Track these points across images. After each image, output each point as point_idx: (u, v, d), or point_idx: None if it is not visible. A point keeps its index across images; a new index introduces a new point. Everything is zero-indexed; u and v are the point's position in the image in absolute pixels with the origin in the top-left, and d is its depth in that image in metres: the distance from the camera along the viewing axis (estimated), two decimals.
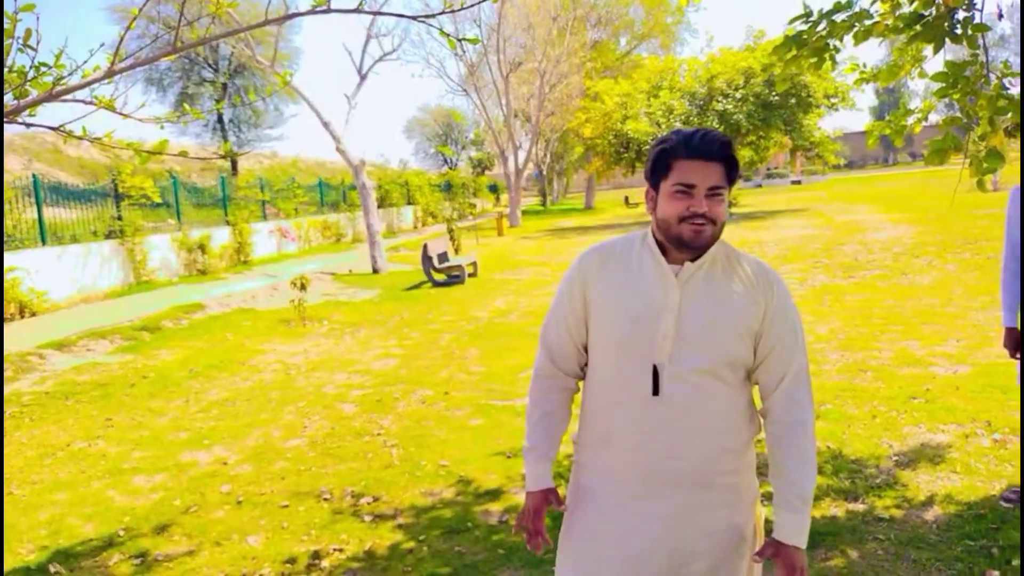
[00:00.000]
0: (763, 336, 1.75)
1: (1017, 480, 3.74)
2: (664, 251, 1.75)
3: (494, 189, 45.65)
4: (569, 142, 42.17)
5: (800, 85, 23.17)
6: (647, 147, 25.67)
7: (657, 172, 1.72)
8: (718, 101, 24.51)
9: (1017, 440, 4.24)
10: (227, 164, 32.76)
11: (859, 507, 3.65)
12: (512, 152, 31.16)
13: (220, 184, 18.41)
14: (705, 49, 66.09)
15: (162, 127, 3.41)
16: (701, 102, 25.10)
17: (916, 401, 5.06)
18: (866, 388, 5.44)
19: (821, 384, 5.62)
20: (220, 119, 36.07)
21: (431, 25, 2.91)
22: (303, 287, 9.83)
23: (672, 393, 1.71)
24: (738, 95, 24.20)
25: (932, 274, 10.08)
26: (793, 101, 23.61)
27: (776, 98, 23.50)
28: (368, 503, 4.21)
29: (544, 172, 44.91)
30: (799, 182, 47.08)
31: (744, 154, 28.96)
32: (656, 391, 1.71)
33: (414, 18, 3.14)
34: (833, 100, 24.26)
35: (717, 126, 24.42)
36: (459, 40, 2.86)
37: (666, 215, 1.70)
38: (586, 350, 1.87)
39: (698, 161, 1.67)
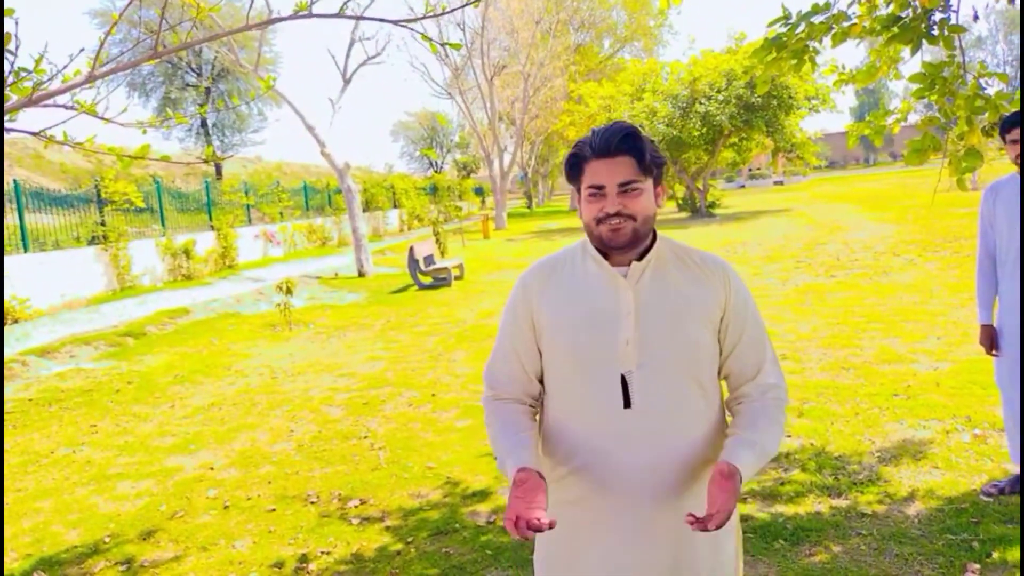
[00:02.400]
0: (728, 325, 1.69)
1: (997, 474, 3.80)
2: (606, 255, 1.68)
3: (480, 192, 45.68)
4: (554, 144, 42.32)
5: (781, 87, 23.36)
6: None
7: (573, 177, 1.68)
8: (700, 103, 24.66)
9: (996, 435, 4.30)
10: (211, 169, 32.56)
11: (842, 503, 3.69)
12: (497, 155, 31.20)
13: (205, 189, 18.31)
14: (687, 52, 66.48)
15: (144, 132, 3.40)
16: (684, 104, 25.25)
17: (898, 398, 5.12)
18: (848, 386, 5.50)
19: (804, 382, 5.67)
20: (204, 124, 35.89)
21: (413, 30, 2.92)
22: (289, 291, 9.79)
23: (645, 402, 1.62)
24: (720, 97, 24.36)
25: (913, 272, 10.20)
26: (775, 103, 23.80)
27: (758, 100, 23.69)
28: (355, 506, 4.20)
29: (529, 175, 45.00)
30: (781, 183, 47.44)
31: (726, 155, 29.19)
32: (627, 403, 1.62)
33: (396, 22, 3.15)
34: (814, 102, 24.48)
35: (700, 127, 24.59)
36: (441, 45, 2.87)
37: (586, 219, 1.66)
38: (540, 380, 1.75)
39: (602, 160, 1.61)
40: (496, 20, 30.19)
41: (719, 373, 1.74)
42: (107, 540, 4.03)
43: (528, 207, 46.42)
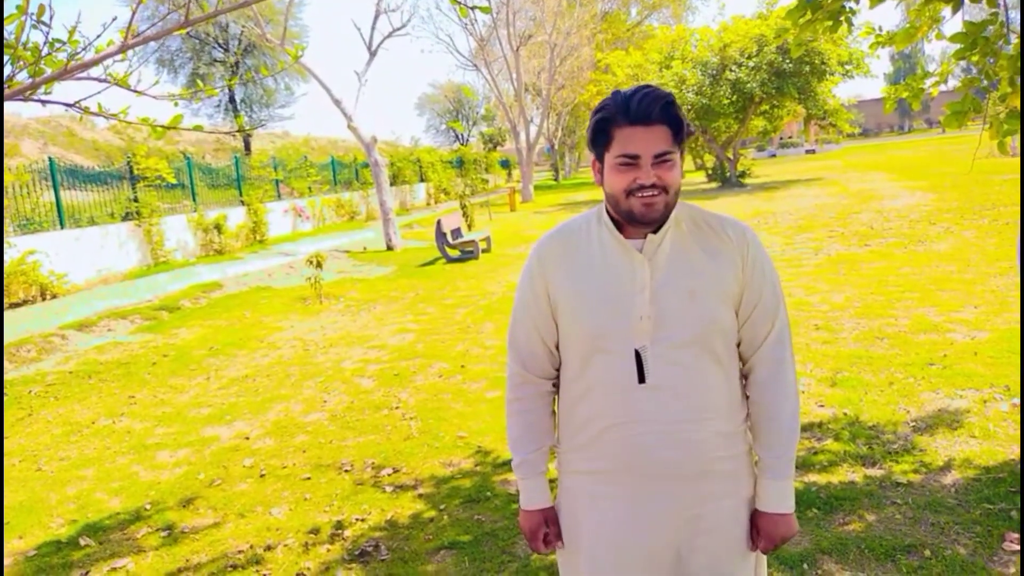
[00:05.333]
0: (744, 295, 1.64)
1: None
2: (620, 227, 1.62)
3: (506, 164, 45.48)
4: (581, 116, 41.86)
5: (814, 52, 22.80)
6: None
7: (598, 143, 1.58)
8: (731, 70, 24.18)
9: None
10: (240, 144, 32.82)
11: (877, 472, 3.66)
12: (523, 127, 30.98)
13: (234, 164, 18.46)
14: (717, 18, 65.17)
15: (176, 104, 3.42)
16: (714, 72, 24.78)
17: (933, 367, 5.04)
18: (883, 355, 5.42)
19: (837, 352, 5.61)
20: (232, 99, 36.12)
21: None
22: (319, 265, 9.87)
23: (659, 378, 1.58)
24: (751, 64, 23.85)
25: (949, 241, 9.98)
26: (807, 69, 23.23)
27: (790, 66, 23.14)
28: (388, 474, 4.26)
29: (556, 147, 44.65)
30: (813, 151, 46.55)
31: (757, 124, 28.67)
32: (642, 378, 1.58)
33: None
34: (848, 67, 23.85)
35: (730, 95, 24.13)
36: (471, 8, 2.83)
37: (613, 189, 1.56)
38: (558, 348, 1.72)
39: (639, 127, 1.51)
40: None
41: (738, 349, 1.70)
42: (148, 507, 4.14)
43: (555, 179, 46.13)
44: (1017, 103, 3.90)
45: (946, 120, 4.05)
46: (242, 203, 17.67)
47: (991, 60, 3.92)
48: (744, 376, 1.72)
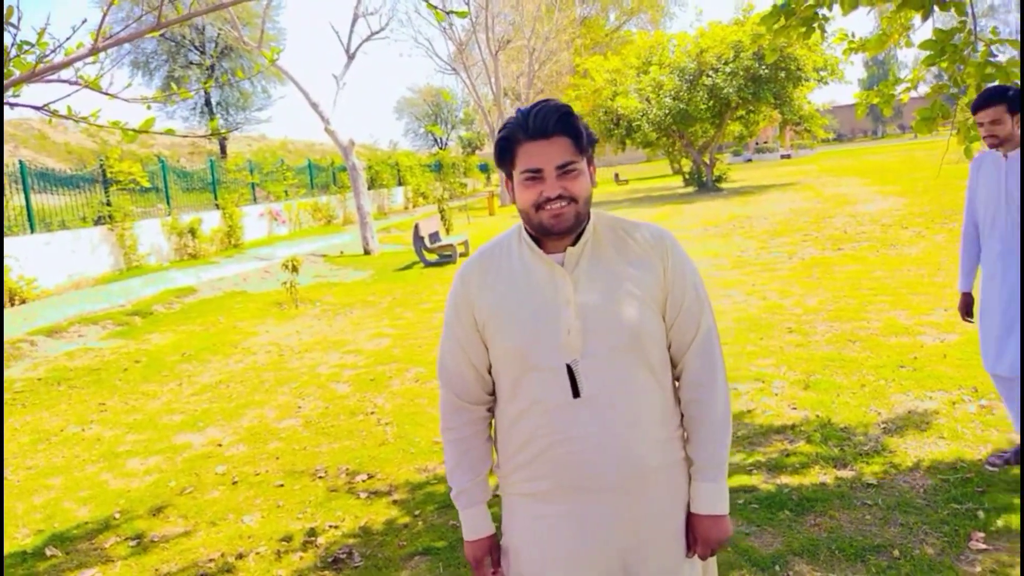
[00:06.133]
0: (669, 299, 1.65)
1: (1003, 444, 3.79)
2: (540, 242, 1.63)
3: (485, 169, 45.47)
4: None
5: (789, 58, 23.05)
6: (638, 123, 25.64)
7: (504, 162, 1.60)
8: (708, 76, 24.39)
9: (1002, 405, 4.28)
10: (216, 148, 32.53)
11: (848, 473, 3.69)
12: None
13: (209, 168, 18.29)
14: (694, 24, 65.73)
15: (148, 107, 3.38)
16: (691, 77, 24.98)
17: (904, 370, 5.11)
18: (855, 358, 5.48)
19: (810, 355, 5.66)
20: (208, 102, 35.80)
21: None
22: (295, 269, 9.81)
23: (593, 390, 1.58)
24: (728, 69, 24.07)
25: (920, 245, 10.13)
26: (783, 74, 23.49)
27: (766, 72, 23.39)
28: (363, 480, 4.24)
29: None
30: (789, 156, 47.04)
31: (733, 129, 28.90)
32: (576, 392, 1.58)
33: None
34: (823, 73, 24.15)
35: (707, 100, 24.33)
36: (448, 13, 2.83)
37: (523, 205, 1.58)
38: (490, 372, 1.71)
39: (539, 141, 1.54)
40: None
41: (668, 353, 1.72)
42: (117, 516, 4.07)
43: None
44: None
45: (916, 126, 4.12)
46: (217, 207, 17.50)
47: (960, 67, 3.99)
48: (676, 379, 1.73)
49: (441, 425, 1.80)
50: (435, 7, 2.70)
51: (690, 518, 1.69)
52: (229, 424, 5.46)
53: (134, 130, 3.04)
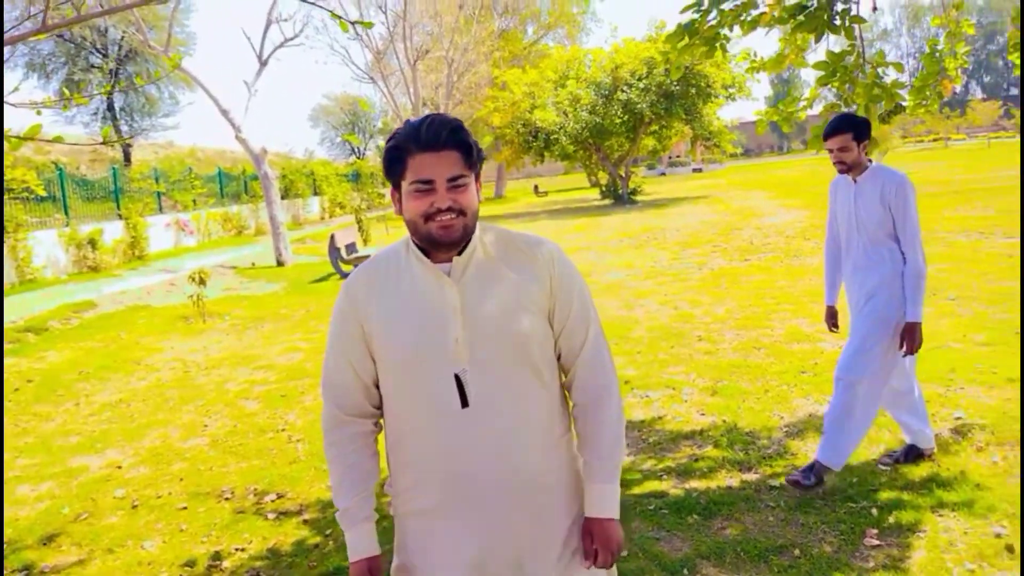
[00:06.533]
0: (555, 309, 1.68)
1: (893, 444, 4.00)
2: (427, 253, 1.64)
3: None
4: (478, 131, 42.13)
5: (699, 75, 23.89)
6: (555, 136, 26.01)
7: (394, 172, 1.60)
8: (622, 91, 24.99)
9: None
10: (119, 155, 31.13)
11: (753, 477, 3.82)
12: None
13: (112, 176, 17.48)
14: (609, 39, 67.23)
15: (39, 113, 3.20)
16: (606, 92, 25.53)
17: (805, 375, 5.33)
18: (759, 364, 5.69)
19: (718, 362, 5.84)
20: (111, 107, 34.25)
21: (322, 7, 2.83)
22: (202, 281, 9.47)
23: (482, 400, 1.59)
24: (641, 85, 24.73)
25: (821, 255, 10.59)
26: (693, 91, 24.31)
27: (677, 88, 24.15)
28: (272, 500, 4.11)
29: None
30: (700, 170, 48.65)
31: (647, 143, 29.70)
32: (465, 402, 1.59)
33: (310, 1, 3.06)
34: (731, 90, 25.12)
35: (622, 115, 24.92)
36: (352, 24, 2.79)
37: (412, 215, 1.58)
38: (376, 386, 1.71)
39: (430, 153, 1.54)
40: (419, 3, 29.78)
41: (556, 363, 1.74)
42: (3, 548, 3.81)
43: None
44: (872, 130, 4.20)
45: (811, 142, 4.32)
46: (120, 217, 16.74)
47: (850, 87, 4.22)
48: (568, 387, 1.76)
49: (325, 441, 1.74)
50: (339, 17, 2.66)
51: (586, 522, 1.70)
52: (130, 445, 5.20)
53: (18, 137, 2.87)
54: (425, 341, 1.60)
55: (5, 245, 12.99)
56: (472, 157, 1.58)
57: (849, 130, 3.46)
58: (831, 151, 3.54)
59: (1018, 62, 4.20)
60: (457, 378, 1.59)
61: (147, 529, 3.88)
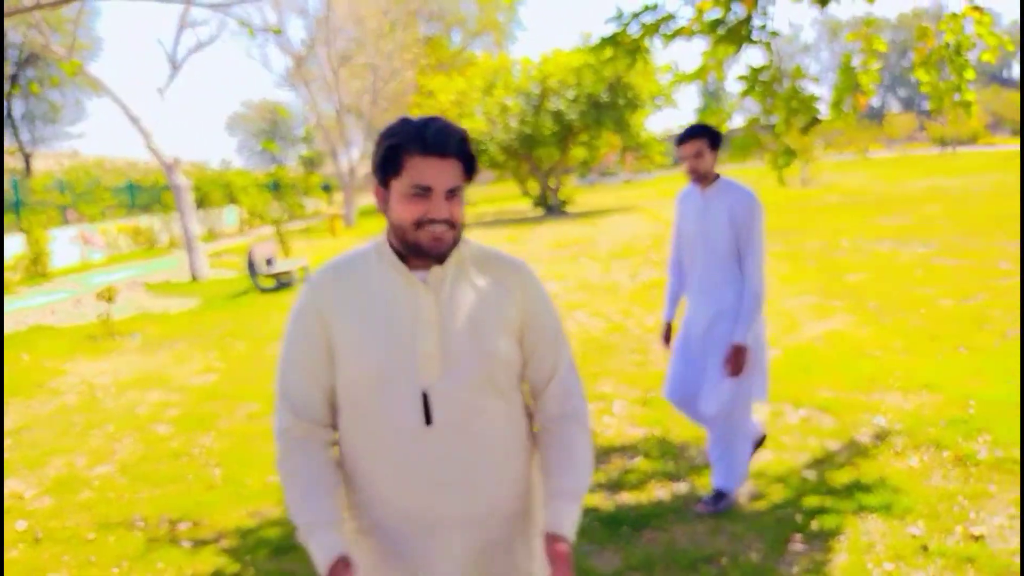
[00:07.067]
0: (526, 332, 1.63)
1: (818, 453, 4.09)
2: (403, 258, 1.57)
3: (327, 189, 44.30)
4: None
5: (627, 86, 24.27)
6: (484, 145, 25.98)
7: (387, 169, 1.51)
8: (551, 100, 25.18)
9: (819, 415, 4.65)
10: (20, 165, 29.51)
11: (682, 488, 3.84)
12: (345, 149, 30.36)
13: (12, 187, 16.56)
14: (537, 49, 68.03)
15: None
16: (535, 101, 25.68)
17: None
18: None
19: (648, 373, 5.89)
20: (9, 114, 32.41)
21: (230, 15, 2.69)
22: (110, 299, 9.01)
23: (447, 419, 1.53)
24: (570, 95, 24.97)
25: None
26: (622, 102, 24.68)
27: (606, 98, 24.47)
28: (187, 528, 3.91)
29: None
30: (630, 180, 49.56)
31: (578, 153, 30.01)
32: (429, 419, 1.52)
33: (213, 6, 2.91)
34: (658, 101, 25.63)
35: (552, 125, 25.10)
36: (262, 30, 2.66)
37: (401, 219, 1.51)
38: (334, 392, 1.61)
39: (434, 158, 1.47)
40: (342, 8, 29.34)
41: (520, 376, 1.68)
42: None
43: None
44: (790, 140, 4.31)
45: (731, 154, 4.41)
46: (21, 230, 15.87)
47: (769, 100, 4.32)
48: (536, 411, 1.70)
49: (280, 454, 1.61)
50: (245, 22, 2.54)
51: (550, 540, 1.56)
52: (32, 474, 4.88)
53: None
54: (393, 353, 1.52)
55: None
56: (473, 170, 1.54)
57: (704, 136, 3.41)
58: (685, 158, 3.46)
59: (924, 78, 4.40)
60: (424, 394, 1.52)
61: (52, 562, 3.65)
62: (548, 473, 1.64)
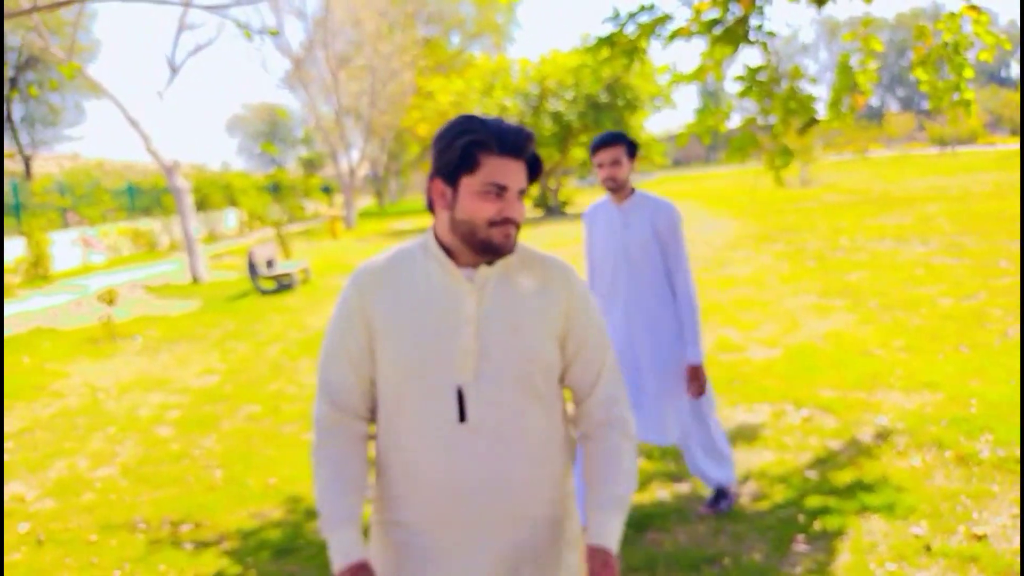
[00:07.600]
0: (569, 335, 1.61)
1: (821, 453, 4.09)
2: (450, 255, 1.57)
3: (327, 190, 44.32)
4: (404, 140, 41.85)
5: (626, 87, 24.27)
6: None
7: (462, 167, 1.51)
8: (550, 101, 25.18)
9: (820, 415, 4.65)
10: (20, 167, 29.53)
11: (684, 488, 3.84)
12: (344, 151, 30.36)
13: (12, 190, 16.56)
14: (535, 50, 68.02)
15: None
16: (534, 102, 25.67)
17: (735, 384, 5.41)
18: None
19: None
20: (9, 117, 32.42)
21: (226, 17, 2.70)
22: (111, 302, 9.01)
23: (481, 417, 1.52)
24: (569, 95, 24.96)
25: (749, 265, 10.90)
26: (621, 103, 24.67)
27: (605, 99, 24.46)
28: (189, 530, 3.91)
29: (380, 172, 44.23)
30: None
31: (577, 154, 30.03)
32: (463, 417, 1.52)
33: (211, 9, 2.92)
34: (657, 102, 25.63)
35: (551, 126, 25.10)
36: (258, 32, 2.67)
37: (472, 217, 1.51)
38: (374, 386, 1.62)
39: (511, 159, 1.50)
40: (340, 10, 29.34)
41: (561, 381, 1.66)
42: None
43: (380, 205, 45.62)
44: (787, 140, 4.31)
45: (728, 155, 4.41)
46: (22, 234, 15.87)
47: (767, 101, 4.33)
48: (579, 417, 1.68)
49: (315, 441, 1.63)
50: (243, 25, 2.54)
51: (595, 552, 1.56)
52: (34, 476, 4.88)
53: None
54: (431, 348, 1.53)
55: None
56: (537, 173, 1.56)
57: (621, 143, 3.22)
58: (601, 166, 3.24)
59: (923, 78, 4.40)
60: (459, 390, 1.52)
61: (55, 565, 3.64)
62: (592, 483, 1.63)
